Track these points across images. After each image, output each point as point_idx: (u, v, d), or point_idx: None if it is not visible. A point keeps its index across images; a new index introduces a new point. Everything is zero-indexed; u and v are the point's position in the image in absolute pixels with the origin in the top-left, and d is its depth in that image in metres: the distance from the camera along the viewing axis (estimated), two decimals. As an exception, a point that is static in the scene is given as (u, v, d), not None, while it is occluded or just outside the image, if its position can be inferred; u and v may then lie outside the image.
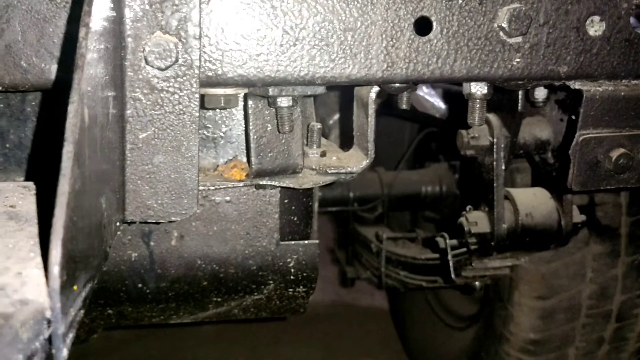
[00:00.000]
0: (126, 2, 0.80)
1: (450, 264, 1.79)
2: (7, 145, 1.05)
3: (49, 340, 0.52)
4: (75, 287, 0.54)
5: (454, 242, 1.74)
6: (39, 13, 0.82)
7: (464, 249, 1.62)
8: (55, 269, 0.49)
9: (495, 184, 1.44)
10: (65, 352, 0.50)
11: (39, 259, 0.58)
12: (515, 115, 1.39)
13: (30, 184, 0.85)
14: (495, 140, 1.42)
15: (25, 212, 0.71)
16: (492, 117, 1.42)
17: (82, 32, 0.69)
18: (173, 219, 0.90)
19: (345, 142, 1.55)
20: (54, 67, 0.84)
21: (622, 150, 1.02)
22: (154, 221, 0.90)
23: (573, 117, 1.03)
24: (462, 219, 1.52)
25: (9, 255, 0.58)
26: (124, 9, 0.80)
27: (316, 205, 1.55)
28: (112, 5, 0.77)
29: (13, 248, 0.60)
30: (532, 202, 1.47)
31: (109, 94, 0.76)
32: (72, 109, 0.59)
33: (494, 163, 1.42)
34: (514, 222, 1.46)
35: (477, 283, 1.87)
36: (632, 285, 2.27)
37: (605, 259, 2.21)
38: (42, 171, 0.99)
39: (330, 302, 3.80)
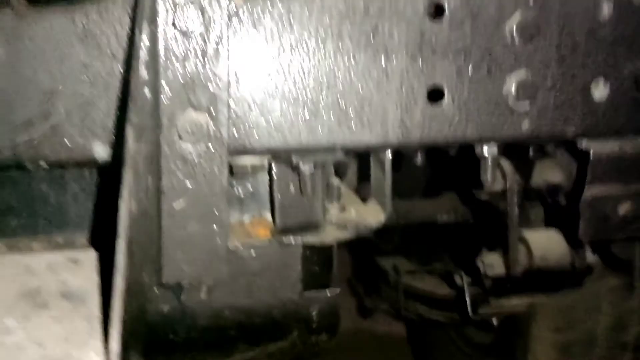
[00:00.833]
0: (162, 84, 0.87)
1: (468, 301, 1.83)
2: (48, 210, 1.12)
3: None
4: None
5: (470, 280, 1.78)
6: (82, 97, 0.90)
7: (481, 289, 1.67)
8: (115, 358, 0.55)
9: (509, 228, 1.48)
10: None
11: (94, 344, 0.64)
12: (527, 161, 1.44)
13: (78, 254, 0.92)
14: (508, 185, 1.47)
15: (77, 289, 0.77)
16: (505, 163, 1.47)
17: (130, 115, 0.77)
18: (205, 280, 0.97)
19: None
20: (96, 145, 0.91)
21: (629, 204, 1.07)
22: (187, 283, 0.96)
23: (581, 172, 1.08)
24: (479, 262, 1.56)
25: (68, 339, 0.64)
26: (160, 91, 0.87)
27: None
28: (149, 89, 0.84)
29: (71, 332, 0.66)
30: (546, 244, 1.51)
31: (148, 172, 0.83)
32: (123, 207, 0.66)
33: (508, 208, 1.47)
34: (529, 265, 1.50)
35: (493, 319, 1.91)
36: (648, 317, 2.29)
37: (620, 292, 2.24)
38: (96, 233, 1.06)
39: (348, 331, 3.82)
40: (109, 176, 1.05)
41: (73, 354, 0.62)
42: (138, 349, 0.66)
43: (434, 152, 1.28)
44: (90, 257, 0.90)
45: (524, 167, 1.45)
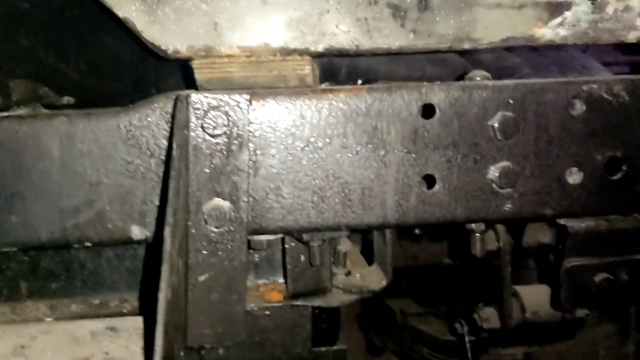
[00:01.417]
0: (191, 177, 1.02)
1: (468, 348, 1.94)
2: (84, 273, 1.27)
3: None
4: None
5: (469, 328, 1.90)
6: (122, 187, 1.05)
7: (478, 340, 1.78)
8: None
9: (503, 284, 1.61)
10: None
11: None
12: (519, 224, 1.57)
13: (116, 322, 1.06)
14: (501, 246, 1.60)
15: (119, 357, 0.91)
16: (499, 226, 1.61)
17: (168, 214, 0.91)
18: (225, 344, 1.10)
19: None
20: (134, 228, 1.06)
21: (604, 275, 1.20)
22: (209, 346, 1.10)
23: (560, 246, 1.21)
24: (476, 315, 1.68)
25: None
26: (189, 183, 1.02)
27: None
28: (180, 177, 0.99)
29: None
30: (538, 299, 1.63)
31: (179, 254, 0.98)
32: (161, 297, 0.81)
33: (501, 266, 1.59)
34: (522, 319, 1.62)
35: (493, 367, 2.01)
36: (644, 361, 2.38)
37: (616, 338, 2.34)
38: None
39: (359, 366, 3.91)
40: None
41: None
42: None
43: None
44: (125, 325, 1.04)
45: (516, 228, 1.58)
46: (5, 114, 1.03)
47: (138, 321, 1.08)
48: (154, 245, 1.21)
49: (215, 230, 1.05)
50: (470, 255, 1.74)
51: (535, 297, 1.64)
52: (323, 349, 1.38)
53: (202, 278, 1.07)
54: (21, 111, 1.09)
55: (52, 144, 1.02)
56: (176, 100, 1.00)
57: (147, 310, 1.18)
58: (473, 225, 1.19)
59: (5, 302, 1.24)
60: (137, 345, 0.97)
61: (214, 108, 1.01)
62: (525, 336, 1.65)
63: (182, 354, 1.06)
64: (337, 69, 1.55)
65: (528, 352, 1.96)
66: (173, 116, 1.00)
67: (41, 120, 1.02)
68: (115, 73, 1.28)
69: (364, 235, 1.74)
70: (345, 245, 1.44)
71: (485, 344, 1.75)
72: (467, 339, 1.93)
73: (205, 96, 1.01)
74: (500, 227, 1.61)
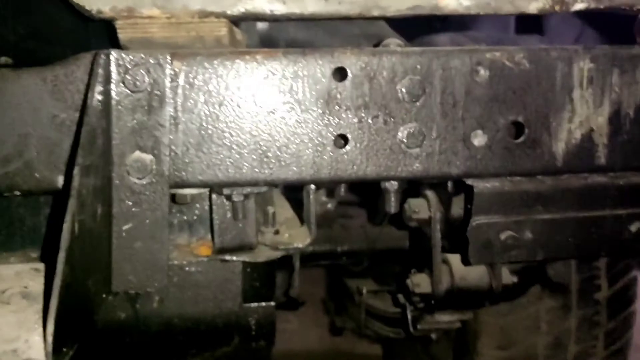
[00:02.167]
0: (114, 131, 1.09)
1: (409, 317, 2.03)
2: (24, 229, 1.34)
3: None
4: (64, 349, 0.81)
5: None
6: (48, 139, 1.12)
7: (412, 307, 1.87)
8: (50, 338, 0.76)
9: (433, 251, 1.69)
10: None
11: (41, 330, 0.85)
12: (446, 194, 1.66)
13: (41, 265, 1.13)
14: (432, 214, 1.68)
15: (35, 291, 0.99)
16: (430, 194, 1.69)
17: (78, 157, 0.99)
18: (148, 289, 1.18)
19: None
20: (59, 177, 1.13)
21: (509, 232, 1.28)
22: (133, 291, 1.17)
23: (468, 205, 1.29)
24: (408, 280, 1.77)
25: (20, 326, 0.85)
26: (112, 136, 1.09)
27: (297, 265, 1.83)
28: (102, 134, 1.07)
29: (23, 321, 0.87)
30: (467, 267, 1.71)
31: (97, 200, 1.05)
32: (65, 227, 0.88)
33: (432, 233, 1.68)
34: (451, 284, 1.71)
35: (432, 335, 2.10)
36: (585, 337, 2.49)
37: (557, 313, 2.44)
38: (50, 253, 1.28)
39: (327, 350, 4.01)
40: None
41: (22, 335, 0.83)
42: (75, 340, 0.87)
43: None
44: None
45: (445, 199, 1.66)
46: (-62, 68, 1.10)
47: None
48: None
49: (138, 181, 1.12)
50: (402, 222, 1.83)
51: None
52: (253, 305, 1.46)
53: (126, 227, 1.14)
54: (-46, 67, 1.16)
55: (-17, 97, 1.09)
56: (96, 56, 1.07)
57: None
58: (387, 185, 1.28)
59: (-55, 254, 1.31)
60: (56, 282, 1.04)
61: (136, 65, 1.09)
62: (457, 302, 1.74)
63: (109, 299, 1.13)
64: (275, 43, 1.63)
65: (464, 319, 2.05)
66: (91, 72, 1.07)
67: (-28, 75, 1.09)
68: (54, 37, 1.35)
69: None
70: (284, 208, 1.52)
71: (420, 310, 1.83)
72: (408, 308, 2.02)
73: (127, 54, 1.08)
74: (432, 196, 1.70)
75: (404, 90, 1.19)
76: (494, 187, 1.27)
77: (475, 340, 2.42)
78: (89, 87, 1.07)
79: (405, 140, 1.20)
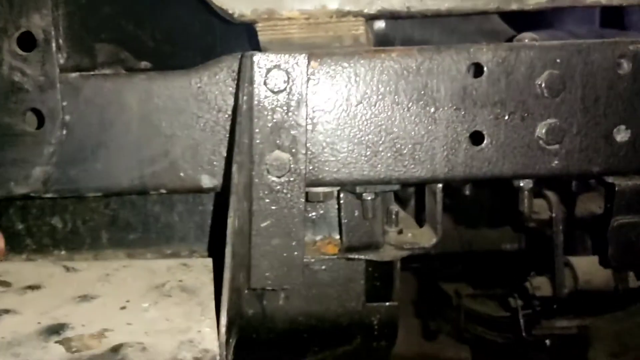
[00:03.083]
0: (254, 130, 1.12)
1: (522, 322, 1.97)
2: (159, 226, 1.39)
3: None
4: (230, 340, 0.83)
5: (522, 302, 1.93)
6: (193, 139, 1.16)
7: (531, 310, 1.81)
8: (223, 329, 0.79)
9: (555, 253, 1.64)
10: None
11: (207, 321, 0.88)
12: (571, 193, 1.60)
13: (189, 260, 1.17)
14: (554, 215, 1.63)
15: (190, 285, 1.02)
16: (551, 195, 1.64)
17: (235, 155, 1.02)
18: (285, 287, 1.20)
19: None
20: (203, 177, 1.17)
21: (652, 232, 1.22)
22: (270, 288, 1.20)
23: (608, 205, 1.24)
24: (527, 283, 1.72)
25: (187, 318, 0.88)
26: (253, 136, 1.12)
27: (398, 269, 1.82)
28: (246, 134, 1.10)
29: (189, 313, 0.91)
30: (591, 269, 1.65)
31: (245, 198, 1.08)
32: (229, 222, 0.91)
33: (554, 234, 1.62)
34: (574, 287, 1.64)
35: (546, 341, 2.03)
36: None
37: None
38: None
39: (415, 354, 3.96)
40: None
41: (192, 326, 0.86)
42: (235, 332, 0.90)
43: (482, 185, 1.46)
44: (196, 262, 1.16)
45: (569, 199, 1.61)
46: (91, 73, 1.16)
47: (207, 261, 1.19)
48: (221, 195, 1.32)
49: (276, 179, 1.15)
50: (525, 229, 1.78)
51: (588, 266, 1.66)
52: (376, 304, 1.45)
53: (264, 224, 1.17)
54: (105, 71, 1.22)
55: (132, 99, 1.14)
56: (242, 59, 1.10)
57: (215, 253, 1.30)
58: (521, 183, 1.24)
59: (88, 250, 1.38)
60: (207, 277, 1.08)
61: (276, 67, 1.11)
62: (578, 306, 1.67)
63: (245, 292, 1.16)
64: (391, 42, 1.62)
65: (582, 325, 1.97)
66: (240, 73, 1.10)
67: (123, 78, 1.14)
68: (185, 42, 1.40)
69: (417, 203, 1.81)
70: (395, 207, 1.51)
71: (537, 315, 1.77)
72: (520, 312, 1.96)
73: (267, 56, 1.11)
74: (552, 196, 1.65)
75: (543, 85, 1.15)
76: (637, 185, 1.22)
77: (588, 347, 2.32)
78: (237, 88, 1.10)
79: (544, 136, 1.17)
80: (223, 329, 0.80)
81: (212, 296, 0.98)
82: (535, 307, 1.69)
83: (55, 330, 0.84)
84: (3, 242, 0.98)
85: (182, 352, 0.80)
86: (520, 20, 1.81)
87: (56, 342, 0.81)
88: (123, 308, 0.93)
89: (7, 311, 0.91)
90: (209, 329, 0.85)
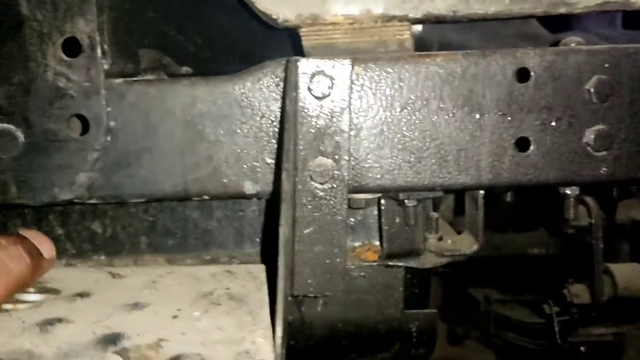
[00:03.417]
0: (299, 137, 1.11)
1: (556, 329, 1.94)
2: (198, 232, 1.39)
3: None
4: (284, 351, 0.82)
5: (558, 309, 1.90)
6: (236, 145, 1.16)
7: (567, 317, 1.79)
8: (279, 341, 0.78)
9: (595, 259, 1.61)
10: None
11: (260, 331, 0.87)
12: (611, 199, 1.57)
13: (233, 267, 1.17)
14: (593, 221, 1.60)
15: (237, 293, 1.01)
16: (591, 201, 1.61)
17: (284, 162, 1.01)
18: (327, 293, 1.19)
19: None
20: (246, 183, 1.17)
21: (703, 241, 1.19)
22: (312, 295, 1.19)
23: (656, 212, 1.21)
24: (565, 291, 1.69)
25: (240, 328, 0.88)
26: (297, 142, 1.11)
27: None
28: (290, 140, 1.09)
29: (240, 322, 0.90)
30: (631, 276, 1.62)
31: (290, 206, 1.07)
32: (281, 230, 0.90)
33: (593, 242, 1.60)
34: (613, 295, 1.61)
35: (582, 348, 2.00)
36: None
37: None
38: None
39: (440, 358, 3.92)
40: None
41: (246, 337, 0.85)
42: (285, 345, 0.89)
43: (526, 191, 1.44)
44: (240, 269, 1.15)
45: (609, 205, 1.58)
46: (135, 78, 1.16)
47: (249, 267, 1.18)
48: (267, 202, 1.32)
49: (320, 186, 1.14)
50: (562, 235, 1.75)
51: (627, 273, 1.63)
52: (414, 311, 1.44)
53: (307, 231, 1.16)
54: (148, 77, 1.22)
55: (176, 105, 1.14)
56: (288, 64, 1.10)
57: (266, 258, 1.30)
58: (567, 190, 1.22)
59: (127, 255, 1.38)
60: (252, 285, 1.07)
61: (320, 72, 1.10)
62: (616, 314, 1.64)
63: (289, 299, 1.15)
64: (428, 46, 1.61)
65: (618, 332, 1.94)
66: (285, 79, 1.10)
67: (166, 84, 1.14)
68: (225, 47, 1.40)
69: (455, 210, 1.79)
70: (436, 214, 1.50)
71: (574, 322, 1.74)
72: (555, 319, 1.93)
73: (311, 61, 1.10)
74: (592, 203, 1.62)
75: (592, 90, 1.13)
76: (687, 192, 1.19)
77: (621, 355, 2.28)
78: (282, 94, 1.10)
79: (591, 142, 1.15)
80: (279, 341, 0.79)
81: (261, 304, 0.97)
82: (573, 314, 1.67)
83: (111, 340, 0.83)
84: (54, 250, 0.98)
85: (240, 363, 0.79)
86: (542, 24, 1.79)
87: (114, 352, 0.80)
88: (175, 317, 0.92)
89: (60, 320, 0.91)
90: (263, 340, 0.84)
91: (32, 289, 1.01)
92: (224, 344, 0.82)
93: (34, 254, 0.90)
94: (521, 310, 2.63)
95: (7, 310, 0.95)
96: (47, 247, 0.95)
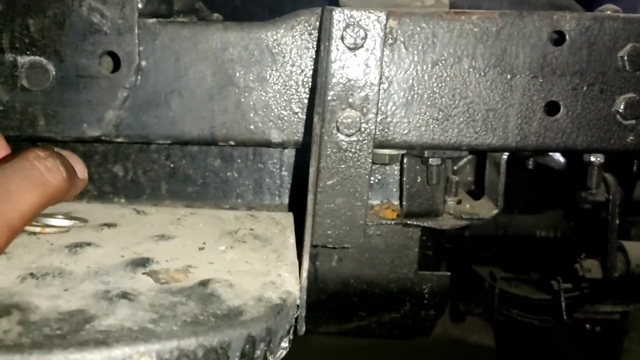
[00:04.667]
0: (328, 87, 1.11)
1: (563, 305, 1.95)
2: (217, 181, 1.40)
3: (295, 319, 0.82)
4: (305, 285, 0.84)
5: (567, 285, 1.91)
6: (266, 92, 1.16)
7: (577, 292, 1.80)
8: (304, 273, 0.78)
9: (609, 236, 1.61)
10: (303, 329, 0.81)
11: (285, 267, 0.88)
12: (631, 176, 1.57)
13: (255, 213, 1.17)
14: (611, 197, 1.60)
15: (262, 233, 1.02)
16: (609, 177, 1.61)
17: (317, 108, 1.01)
18: (346, 245, 1.20)
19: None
20: (272, 131, 1.17)
21: None
22: (331, 246, 1.20)
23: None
24: (577, 265, 1.70)
25: (265, 261, 0.89)
26: (327, 93, 1.11)
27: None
28: (320, 89, 1.09)
29: (266, 258, 0.91)
30: (644, 254, 1.62)
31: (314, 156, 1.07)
32: (312, 171, 0.90)
33: (609, 217, 1.60)
34: (625, 271, 1.62)
35: (587, 326, 2.01)
36: None
37: None
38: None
39: (438, 336, 3.96)
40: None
41: (272, 270, 0.86)
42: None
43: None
44: (262, 215, 1.16)
45: (628, 181, 1.58)
46: (169, 19, 1.15)
47: (272, 214, 1.19)
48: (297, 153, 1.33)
49: (346, 138, 1.14)
50: (577, 211, 1.75)
51: (641, 251, 1.63)
52: (428, 273, 1.45)
53: (330, 182, 1.16)
54: (181, 19, 1.21)
55: (208, 48, 1.14)
56: (322, 13, 1.09)
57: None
58: (592, 158, 1.22)
59: (147, 199, 1.39)
60: (276, 229, 1.08)
61: (354, 23, 1.09)
62: (626, 292, 1.65)
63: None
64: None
65: (626, 311, 1.95)
66: (320, 29, 1.09)
67: (200, 27, 1.14)
68: (256, -2, 1.39)
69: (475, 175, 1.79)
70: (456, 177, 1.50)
71: (582, 298, 1.75)
72: (562, 295, 1.94)
73: (346, 11, 1.09)
74: (611, 179, 1.62)
75: (625, 58, 1.12)
76: None
77: (622, 336, 2.30)
78: (316, 43, 1.09)
79: (622, 110, 1.14)
80: (305, 273, 0.80)
81: (286, 245, 0.98)
82: (583, 289, 1.68)
83: (140, 263, 0.85)
84: (87, 172, 0.98)
85: (267, 292, 0.80)
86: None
87: (143, 273, 0.81)
88: (202, 249, 0.93)
89: (88, 244, 0.92)
90: (288, 274, 0.85)
91: (60, 215, 1.02)
92: (250, 274, 0.83)
93: (70, 170, 0.89)
94: (527, 288, 2.65)
95: (34, 233, 0.96)
96: (80, 168, 0.95)
